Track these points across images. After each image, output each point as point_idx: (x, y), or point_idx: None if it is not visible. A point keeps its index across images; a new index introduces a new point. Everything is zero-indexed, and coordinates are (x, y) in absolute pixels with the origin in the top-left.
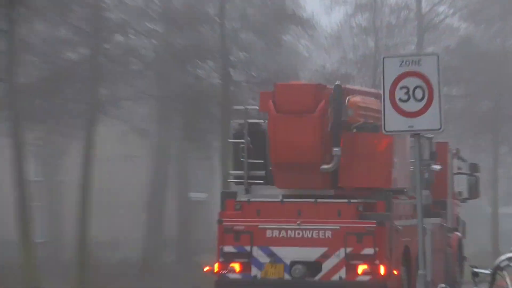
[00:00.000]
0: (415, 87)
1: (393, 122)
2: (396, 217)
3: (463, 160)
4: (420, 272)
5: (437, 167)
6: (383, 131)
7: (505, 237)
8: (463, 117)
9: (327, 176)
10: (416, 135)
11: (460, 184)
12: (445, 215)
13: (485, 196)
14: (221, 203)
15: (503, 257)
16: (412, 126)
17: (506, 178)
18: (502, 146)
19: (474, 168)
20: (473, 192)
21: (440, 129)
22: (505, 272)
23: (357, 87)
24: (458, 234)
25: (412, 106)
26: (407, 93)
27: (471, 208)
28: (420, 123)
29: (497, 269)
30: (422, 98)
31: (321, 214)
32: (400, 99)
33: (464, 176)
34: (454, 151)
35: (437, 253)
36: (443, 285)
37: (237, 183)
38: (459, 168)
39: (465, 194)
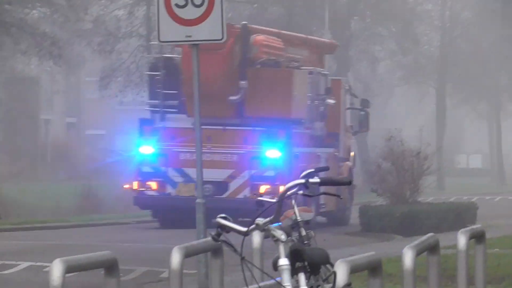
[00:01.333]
0: None
1: (169, 31)
2: (294, 144)
3: (355, 96)
4: (198, 201)
5: (331, 101)
6: (157, 42)
7: None
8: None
9: (234, 106)
10: (195, 45)
11: (352, 118)
12: (337, 146)
13: None
14: (139, 129)
15: (290, 184)
16: (190, 36)
17: None
18: None
19: (364, 103)
20: (363, 126)
21: (222, 39)
22: (293, 201)
23: (261, 27)
24: (349, 163)
25: (190, 12)
26: None
27: None
28: (199, 32)
29: (284, 197)
30: (202, 4)
31: (229, 140)
32: (177, 5)
33: (355, 111)
34: (347, 87)
35: None
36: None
37: (153, 111)
38: (350, 104)
39: (356, 128)
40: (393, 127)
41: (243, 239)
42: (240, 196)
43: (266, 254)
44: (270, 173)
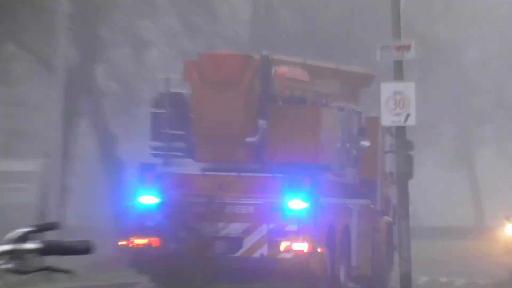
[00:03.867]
0: None
1: None
2: (321, 194)
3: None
4: None
5: (366, 143)
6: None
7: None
8: None
9: (252, 149)
10: None
11: (392, 163)
12: (373, 196)
13: None
14: (140, 175)
15: None
16: None
17: None
18: None
19: (407, 145)
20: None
21: None
22: None
23: (283, 56)
24: (388, 218)
25: None
26: None
27: None
28: None
29: None
30: None
31: (244, 188)
32: None
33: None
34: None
35: (363, 238)
36: None
37: (156, 155)
38: (391, 146)
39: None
40: None
41: None
42: (257, 254)
43: None
44: (292, 227)
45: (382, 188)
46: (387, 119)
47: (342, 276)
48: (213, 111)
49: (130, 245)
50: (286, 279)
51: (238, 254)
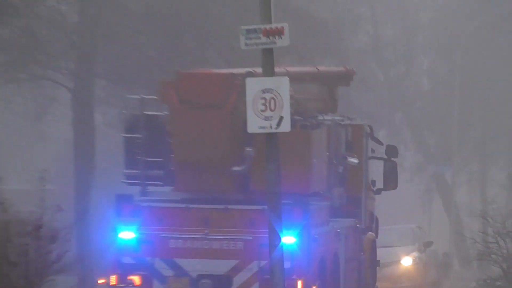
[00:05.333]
0: None
1: None
2: (313, 225)
3: (379, 142)
4: None
5: (354, 160)
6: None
7: None
8: None
9: (237, 178)
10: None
11: (374, 171)
12: (359, 213)
13: None
14: (117, 207)
15: None
16: None
17: None
18: None
19: (391, 151)
20: (390, 181)
21: None
22: None
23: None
24: (372, 234)
25: None
26: None
27: None
28: None
29: None
30: None
31: (231, 222)
32: None
33: (378, 161)
34: (368, 131)
35: (350, 262)
36: None
37: (131, 184)
38: (372, 151)
39: (379, 184)
40: None
41: None
42: None
43: None
44: (285, 264)
45: (367, 203)
46: (254, 124)
47: None
48: (193, 135)
49: (110, 284)
50: None
51: None
